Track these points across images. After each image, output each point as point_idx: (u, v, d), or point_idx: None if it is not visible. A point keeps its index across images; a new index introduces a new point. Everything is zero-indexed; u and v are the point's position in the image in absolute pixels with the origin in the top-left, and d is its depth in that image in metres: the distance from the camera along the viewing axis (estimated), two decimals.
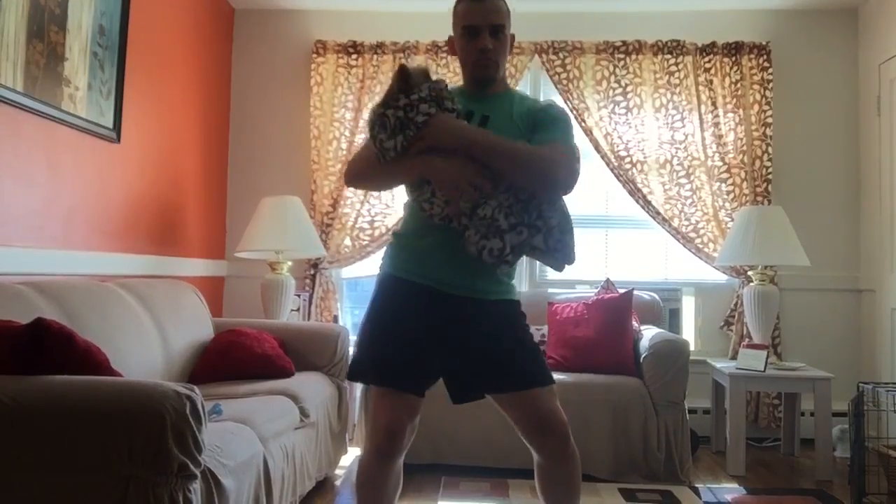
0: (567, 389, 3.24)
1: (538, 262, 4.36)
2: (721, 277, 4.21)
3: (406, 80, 1.76)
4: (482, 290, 1.86)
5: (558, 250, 1.76)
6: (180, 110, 3.75)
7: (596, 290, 3.85)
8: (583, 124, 4.14)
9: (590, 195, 4.31)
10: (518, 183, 1.74)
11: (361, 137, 4.21)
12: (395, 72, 1.80)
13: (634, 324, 3.62)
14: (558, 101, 4.21)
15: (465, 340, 1.85)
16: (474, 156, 1.75)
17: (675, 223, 4.13)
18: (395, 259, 1.92)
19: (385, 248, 2.00)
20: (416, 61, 4.20)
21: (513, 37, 1.95)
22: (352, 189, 4.21)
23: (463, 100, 1.89)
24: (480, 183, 1.73)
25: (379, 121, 1.76)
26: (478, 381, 1.89)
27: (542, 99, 4.32)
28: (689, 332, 4.40)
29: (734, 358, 3.90)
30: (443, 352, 1.84)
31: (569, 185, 1.78)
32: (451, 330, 1.84)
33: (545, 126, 1.85)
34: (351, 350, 3.53)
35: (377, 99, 1.94)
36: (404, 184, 1.88)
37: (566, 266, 1.80)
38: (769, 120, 4.10)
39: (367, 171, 1.90)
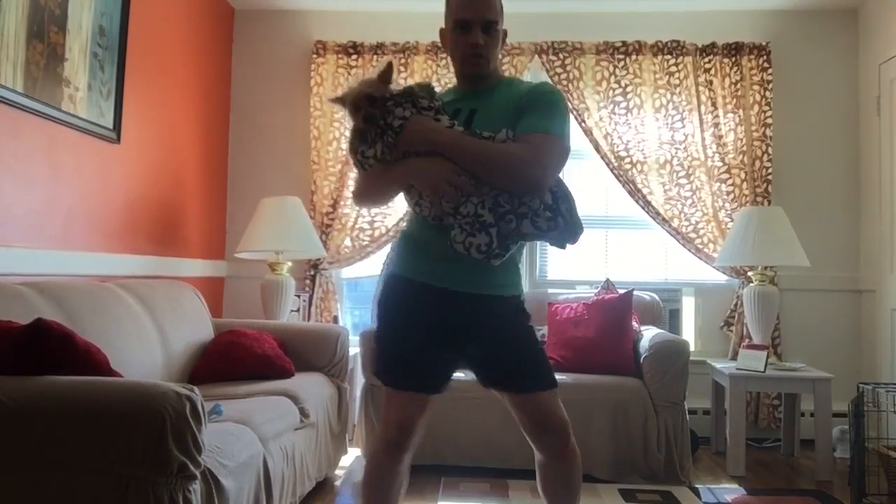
0: (567, 389, 3.23)
1: (538, 263, 4.36)
2: (721, 278, 4.21)
3: (385, 79, 1.77)
4: (479, 285, 1.82)
5: (552, 230, 1.71)
6: (180, 110, 3.75)
7: (596, 291, 3.84)
8: (583, 125, 4.14)
9: (590, 195, 4.31)
10: (489, 182, 1.71)
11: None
12: (361, 85, 1.78)
13: (634, 324, 3.62)
14: None
15: (469, 335, 1.83)
16: (445, 157, 1.72)
17: (675, 223, 4.12)
18: (399, 258, 1.90)
19: (391, 245, 1.98)
20: (416, 62, 4.20)
21: (505, 32, 1.91)
22: (352, 190, 4.20)
23: (454, 95, 1.89)
24: (460, 181, 1.69)
25: (359, 136, 1.77)
26: (489, 373, 1.88)
27: None
28: (689, 333, 4.39)
29: (734, 358, 3.90)
30: (449, 347, 1.83)
31: (539, 184, 1.69)
32: (453, 326, 1.82)
33: (527, 112, 1.78)
34: (351, 350, 3.55)
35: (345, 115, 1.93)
36: (398, 190, 1.84)
37: (570, 243, 1.76)
38: (769, 120, 4.10)
39: (363, 187, 1.91)
